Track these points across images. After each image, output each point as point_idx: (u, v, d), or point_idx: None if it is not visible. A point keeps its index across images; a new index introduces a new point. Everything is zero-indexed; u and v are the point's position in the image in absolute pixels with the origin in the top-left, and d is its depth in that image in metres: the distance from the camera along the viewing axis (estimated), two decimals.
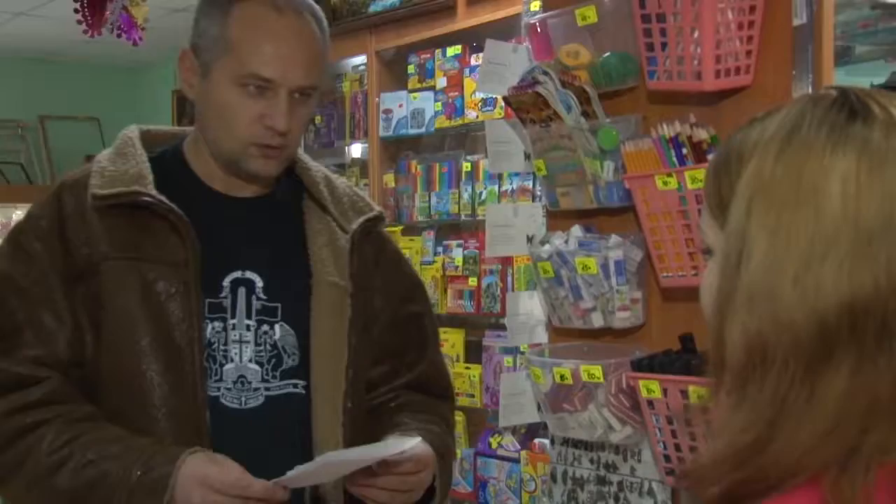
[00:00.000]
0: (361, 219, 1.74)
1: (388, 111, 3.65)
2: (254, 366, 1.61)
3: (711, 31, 1.61)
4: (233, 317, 1.62)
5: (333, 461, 1.49)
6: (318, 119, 4.03)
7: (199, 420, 1.55)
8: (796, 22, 1.64)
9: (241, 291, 1.62)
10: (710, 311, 0.90)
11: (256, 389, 1.61)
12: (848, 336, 0.79)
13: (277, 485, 1.43)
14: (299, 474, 1.43)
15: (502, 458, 3.25)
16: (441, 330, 3.50)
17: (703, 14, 1.60)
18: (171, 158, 1.67)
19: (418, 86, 3.59)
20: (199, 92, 1.62)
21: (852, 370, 0.79)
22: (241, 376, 1.60)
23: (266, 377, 1.62)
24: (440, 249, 3.53)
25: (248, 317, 1.62)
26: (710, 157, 1.66)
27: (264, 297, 1.63)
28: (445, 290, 3.47)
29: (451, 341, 3.47)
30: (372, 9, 3.60)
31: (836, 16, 1.66)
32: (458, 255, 3.45)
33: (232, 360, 1.60)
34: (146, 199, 1.56)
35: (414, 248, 3.58)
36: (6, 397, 1.52)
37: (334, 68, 4.03)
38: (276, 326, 1.63)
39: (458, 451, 3.33)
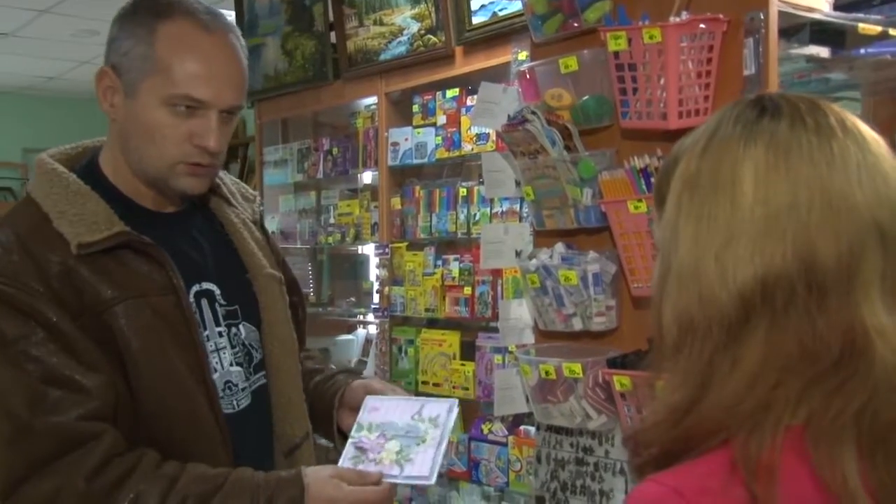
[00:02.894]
0: (256, 206, 1.64)
1: (395, 144, 3.65)
2: (236, 368, 1.46)
3: (675, 78, 1.62)
4: (205, 329, 1.44)
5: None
6: (335, 150, 4.04)
7: (223, 435, 1.40)
8: (746, 72, 1.64)
9: (205, 302, 1.46)
10: (652, 295, 0.88)
11: (243, 389, 1.48)
12: (761, 304, 0.78)
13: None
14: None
15: (492, 443, 3.24)
16: (439, 332, 3.54)
17: (667, 64, 1.62)
18: (94, 182, 1.42)
19: (421, 122, 3.59)
20: (122, 112, 1.40)
21: (766, 334, 0.78)
22: (227, 381, 1.45)
23: (247, 375, 1.48)
24: (440, 262, 3.52)
25: (217, 324, 1.46)
26: None
27: (224, 303, 1.48)
28: (444, 298, 3.46)
29: (449, 341, 3.47)
30: (382, 57, 3.61)
31: (779, 67, 1.67)
32: (455, 267, 3.44)
33: (216, 370, 1.43)
34: (128, 238, 1.36)
35: (417, 261, 3.57)
36: (72, 459, 1.26)
37: (350, 107, 4.05)
38: (241, 326, 1.50)
39: (455, 436, 3.32)
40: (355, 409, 1.51)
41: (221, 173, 1.61)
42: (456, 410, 1.44)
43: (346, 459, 1.41)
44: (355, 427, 1.46)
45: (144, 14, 1.38)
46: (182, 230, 1.50)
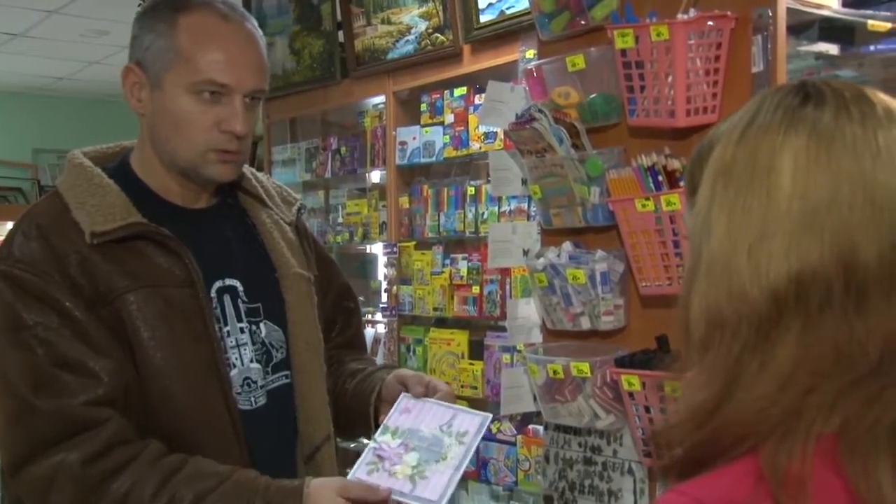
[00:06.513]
0: (295, 209, 1.65)
1: (403, 143, 3.65)
2: (255, 365, 1.47)
3: (683, 76, 1.61)
4: (226, 324, 1.45)
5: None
6: (343, 149, 4.04)
7: (236, 430, 1.40)
8: (754, 69, 1.64)
9: (227, 298, 1.47)
10: (681, 287, 0.83)
11: (262, 387, 1.48)
12: (794, 305, 0.74)
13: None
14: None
15: (501, 442, 3.24)
16: (448, 331, 3.53)
17: (675, 62, 1.61)
18: (122, 178, 1.45)
19: (429, 121, 3.59)
20: (150, 105, 1.43)
21: (799, 336, 0.74)
22: (247, 378, 1.46)
23: (265, 373, 1.49)
24: (448, 262, 3.52)
25: (239, 320, 1.47)
26: (682, 183, 1.67)
27: (247, 300, 1.49)
28: (452, 297, 3.46)
29: (457, 340, 3.47)
30: (390, 56, 3.61)
31: (787, 64, 1.66)
32: (463, 266, 3.44)
33: (235, 366, 1.44)
34: (145, 229, 1.38)
35: (425, 261, 3.57)
36: (74, 443, 1.28)
37: (358, 107, 4.05)
38: (262, 325, 1.50)
39: None
40: (392, 404, 1.52)
41: (263, 177, 1.64)
42: (486, 426, 1.42)
43: (362, 464, 1.40)
44: (381, 429, 1.46)
45: (164, 9, 1.42)
46: (209, 226, 1.51)
